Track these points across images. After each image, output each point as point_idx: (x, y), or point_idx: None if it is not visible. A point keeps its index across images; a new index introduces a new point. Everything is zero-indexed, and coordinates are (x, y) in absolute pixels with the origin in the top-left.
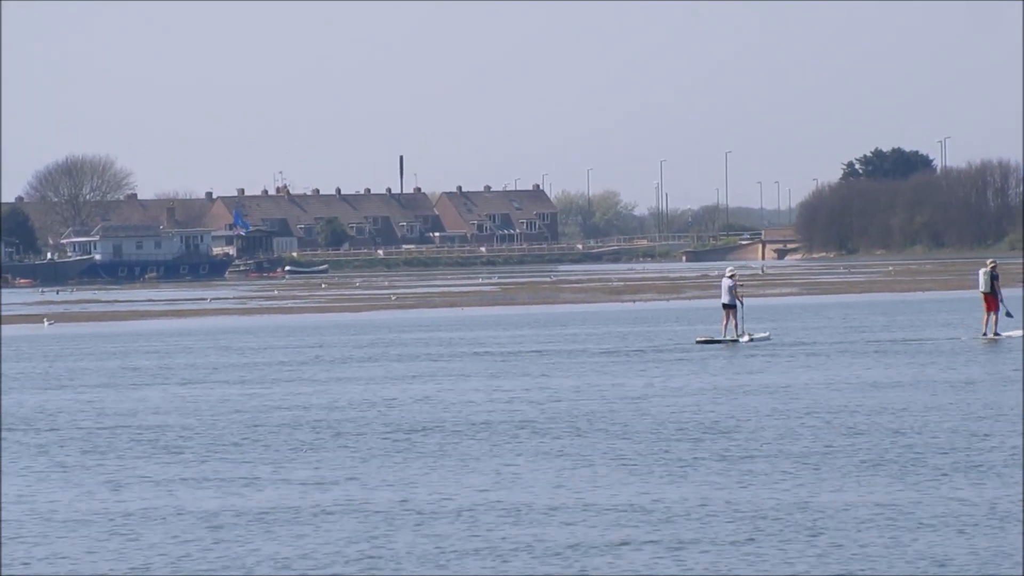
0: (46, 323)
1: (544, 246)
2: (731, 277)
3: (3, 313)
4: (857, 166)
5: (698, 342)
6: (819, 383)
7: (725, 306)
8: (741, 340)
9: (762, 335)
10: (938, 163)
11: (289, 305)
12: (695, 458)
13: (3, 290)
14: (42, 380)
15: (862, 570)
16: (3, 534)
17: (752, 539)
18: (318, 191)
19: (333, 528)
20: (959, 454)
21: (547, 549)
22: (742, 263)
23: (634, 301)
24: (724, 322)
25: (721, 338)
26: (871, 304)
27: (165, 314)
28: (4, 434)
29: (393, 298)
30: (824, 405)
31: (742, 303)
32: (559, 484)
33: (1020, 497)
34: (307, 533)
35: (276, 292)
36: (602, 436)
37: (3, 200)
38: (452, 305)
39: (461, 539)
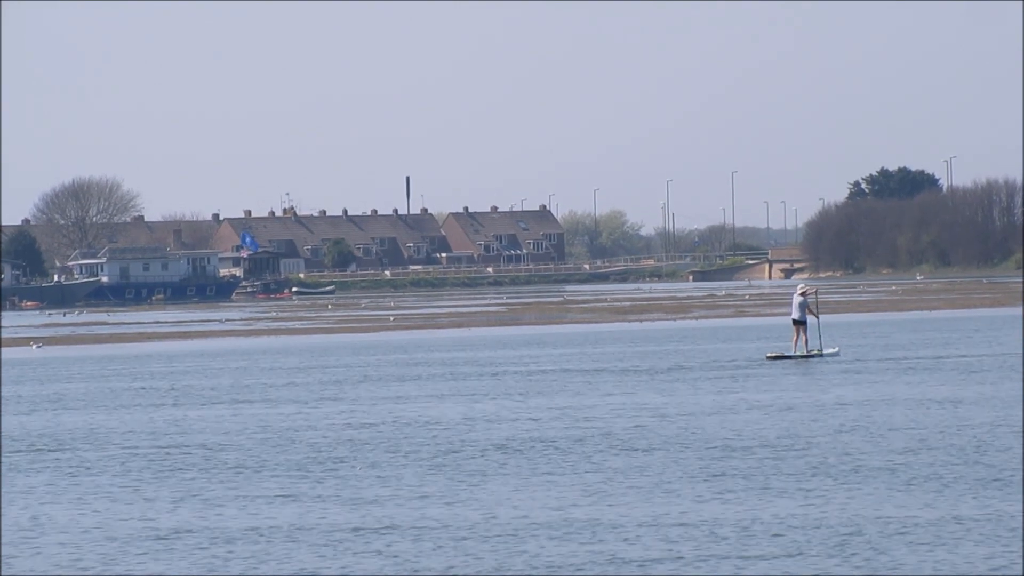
0: (34, 346)
1: (551, 266)
2: (803, 294)
3: (1, 336)
4: (863, 185)
5: (768, 358)
6: (913, 399)
7: (795, 322)
8: (826, 352)
9: (831, 351)
10: (944, 182)
11: (299, 326)
12: (784, 472)
13: (11, 313)
14: (105, 399)
15: None
16: (110, 549)
17: (849, 554)
18: (325, 212)
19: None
20: None
21: (637, 565)
22: (744, 283)
23: (641, 321)
24: (795, 338)
25: (792, 354)
26: (900, 323)
27: (174, 336)
28: (94, 453)
29: (391, 319)
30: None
31: (818, 318)
32: (649, 499)
33: None
34: (405, 550)
35: (274, 313)
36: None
37: (11, 223)
38: (458, 326)
39: (549, 554)
